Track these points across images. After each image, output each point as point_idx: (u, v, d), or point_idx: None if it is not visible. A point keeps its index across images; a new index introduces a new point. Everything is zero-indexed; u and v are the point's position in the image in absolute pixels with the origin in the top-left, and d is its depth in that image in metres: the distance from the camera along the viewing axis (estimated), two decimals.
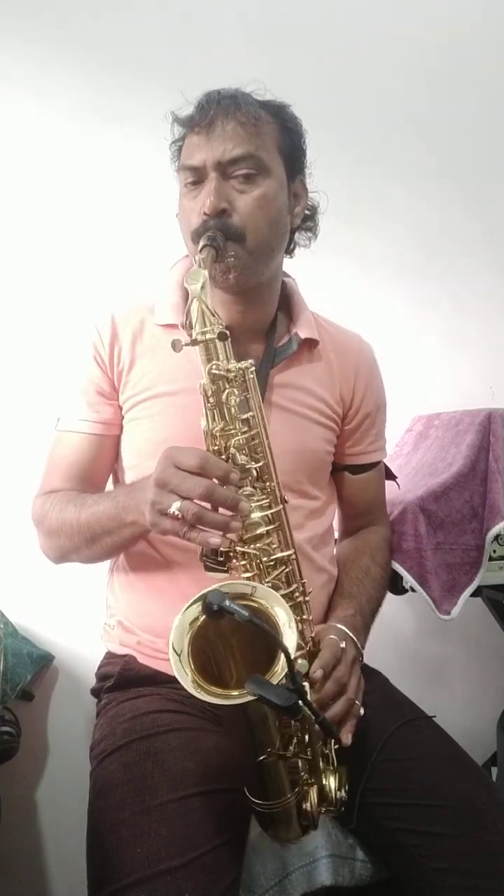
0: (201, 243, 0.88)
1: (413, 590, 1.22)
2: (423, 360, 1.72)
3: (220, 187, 0.91)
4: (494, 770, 1.51)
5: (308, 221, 1.06)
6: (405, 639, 1.67)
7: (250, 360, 0.86)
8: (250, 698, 0.66)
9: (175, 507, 0.75)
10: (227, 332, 0.82)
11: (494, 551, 1.24)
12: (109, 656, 1.03)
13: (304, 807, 0.79)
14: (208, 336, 0.82)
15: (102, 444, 1.02)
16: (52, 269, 1.51)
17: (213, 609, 0.69)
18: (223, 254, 0.89)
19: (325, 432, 1.06)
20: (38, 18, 1.51)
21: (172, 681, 0.92)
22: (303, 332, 1.04)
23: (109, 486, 1.09)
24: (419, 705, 0.99)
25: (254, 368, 0.86)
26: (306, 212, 1.04)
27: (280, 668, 0.69)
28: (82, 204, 1.53)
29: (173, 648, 0.71)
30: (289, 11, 1.64)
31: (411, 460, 1.48)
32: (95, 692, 1.03)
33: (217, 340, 0.82)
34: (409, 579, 1.19)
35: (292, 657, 0.68)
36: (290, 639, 0.71)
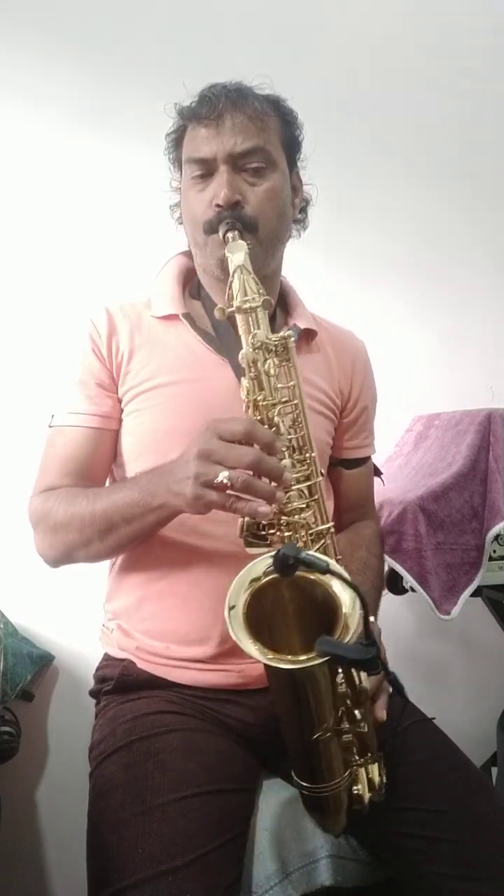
0: (223, 228, 0.89)
1: (413, 590, 1.22)
2: (424, 360, 1.72)
3: (233, 179, 0.92)
4: (494, 770, 1.51)
5: (300, 213, 1.07)
6: (405, 639, 1.67)
7: (290, 331, 0.85)
8: (321, 660, 0.64)
9: (223, 476, 0.73)
10: (271, 301, 0.82)
11: (494, 551, 1.24)
12: (107, 658, 1.03)
13: (354, 790, 0.77)
14: (253, 304, 0.82)
15: (102, 438, 1.00)
16: (45, 268, 1.51)
17: (289, 563, 0.66)
18: None
19: (327, 423, 1.06)
20: (37, 19, 1.51)
21: (172, 685, 0.93)
22: (301, 323, 1.05)
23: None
24: (419, 706, 0.99)
25: (294, 338, 0.85)
26: (301, 203, 1.06)
27: (342, 630, 0.67)
28: (75, 205, 1.53)
29: (229, 607, 0.69)
30: (288, 10, 1.64)
31: (411, 460, 1.48)
32: (94, 694, 1.02)
33: (261, 309, 0.82)
34: (409, 579, 1.19)
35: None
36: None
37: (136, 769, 0.83)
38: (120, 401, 1.00)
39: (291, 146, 1.01)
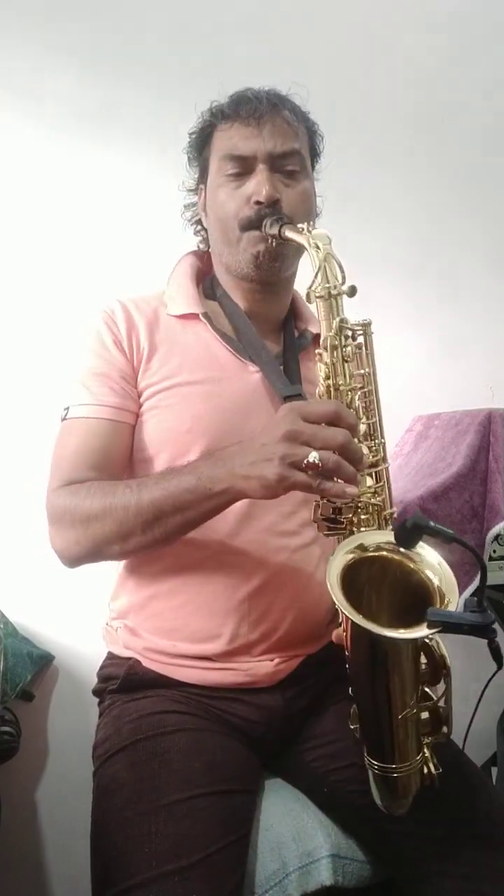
0: (275, 225, 0.90)
1: None
2: (423, 360, 1.72)
3: (272, 178, 0.95)
4: (494, 770, 1.51)
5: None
6: None
7: (369, 318, 0.86)
8: (434, 630, 0.63)
9: (314, 456, 0.72)
10: (356, 288, 0.83)
11: (494, 551, 1.24)
12: (112, 657, 1.02)
13: (425, 769, 0.76)
14: (338, 291, 0.82)
15: (123, 431, 0.98)
16: (46, 267, 1.51)
17: (418, 528, 0.67)
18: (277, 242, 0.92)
19: None
20: (37, 21, 1.51)
21: (178, 684, 0.93)
22: (313, 327, 1.06)
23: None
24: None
25: (372, 325, 0.86)
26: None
27: (445, 603, 0.67)
28: (76, 205, 1.53)
29: (329, 570, 0.70)
30: (288, 10, 1.64)
31: (411, 460, 1.48)
32: (97, 693, 1.02)
33: (346, 296, 0.83)
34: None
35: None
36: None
37: (141, 768, 0.83)
38: (139, 395, 0.99)
39: (313, 157, 1.05)
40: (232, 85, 1.03)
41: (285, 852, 0.86)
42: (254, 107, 0.95)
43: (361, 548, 0.74)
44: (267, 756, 0.97)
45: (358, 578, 0.72)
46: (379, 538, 0.75)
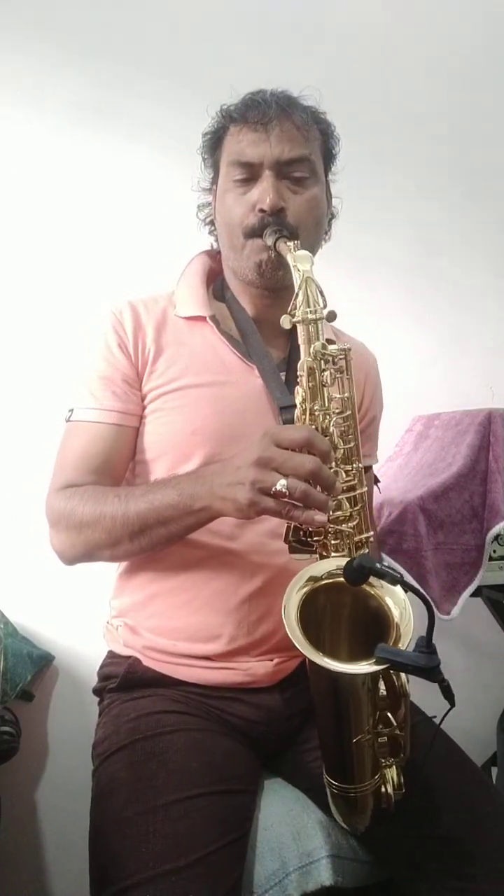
0: (274, 237, 0.90)
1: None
2: (423, 360, 1.72)
3: (278, 186, 0.93)
4: (494, 770, 1.51)
5: (326, 225, 1.08)
6: None
7: (349, 345, 0.86)
8: (381, 666, 0.65)
9: (281, 484, 0.73)
10: (336, 313, 0.83)
11: (494, 551, 1.24)
12: (112, 656, 1.02)
13: (383, 790, 0.78)
14: (318, 316, 0.82)
15: (125, 435, 0.98)
16: (47, 266, 1.51)
17: (363, 571, 0.68)
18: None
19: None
20: (36, 20, 1.51)
21: (177, 683, 0.93)
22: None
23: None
24: (419, 706, 0.99)
25: (352, 351, 0.86)
26: (328, 216, 1.07)
27: (394, 639, 0.69)
28: (77, 203, 1.53)
29: (285, 609, 0.70)
30: (289, 11, 1.64)
31: (411, 460, 1.48)
32: (97, 691, 1.02)
33: (324, 320, 0.83)
34: (409, 579, 1.19)
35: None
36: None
37: (139, 768, 0.83)
38: (143, 398, 0.99)
39: (327, 159, 1.03)
40: (236, 82, 1.01)
41: (285, 852, 0.86)
42: (262, 111, 0.94)
43: (313, 580, 0.74)
44: (267, 756, 0.97)
45: (316, 609, 0.74)
46: (327, 566, 0.76)
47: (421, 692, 1.06)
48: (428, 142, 1.73)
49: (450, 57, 1.74)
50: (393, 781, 0.79)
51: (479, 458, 1.27)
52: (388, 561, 1.21)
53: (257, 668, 0.93)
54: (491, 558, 1.24)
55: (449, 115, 1.74)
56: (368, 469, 1.16)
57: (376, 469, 1.23)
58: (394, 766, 0.79)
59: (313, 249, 0.99)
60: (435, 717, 0.98)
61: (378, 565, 0.69)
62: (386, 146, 1.71)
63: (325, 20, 1.66)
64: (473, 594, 1.24)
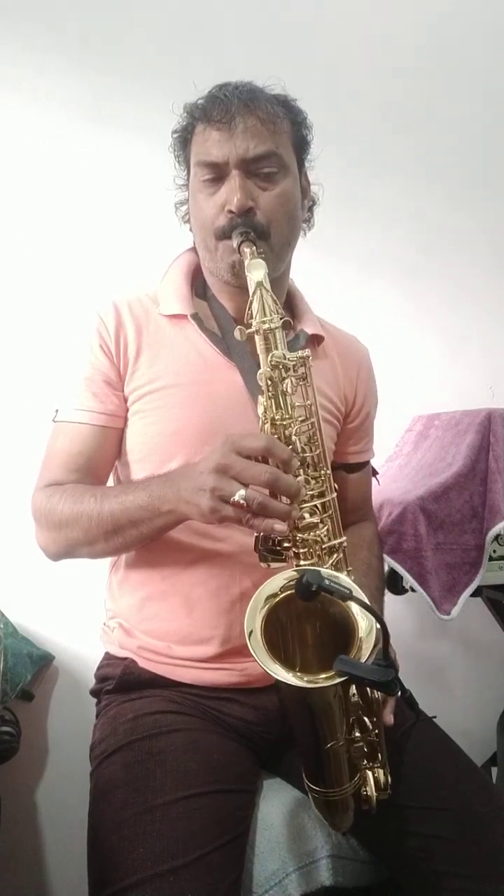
0: (238, 239, 0.89)
1: (413, 590, 1.22)
2: (423, 360, 1.72)
3: (245, 185, 0.91)
4: (494, 770, 1.51)
5: (307, 213, 1.06)
6: (405, 639, 1.66)
7: (307, 351, 0.85)
8: (340, 679, 0.65)
9: (239, 494, 0.73)
10: (290, 321, 0.82)
11: (494, 551, 1.24)
12: (109, 657, 1.03)
13: (363, 792, 0.79)
14: (273, 325, 0.82)
15: (107, 435, 0.98)
16: (47, 265, 1.51)
17: (312, 589, 0.68)
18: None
19: (331, 430, 1.06)
20: (37, 20, 1.51)
21: (173, 684, 0.93)
22: (308, 328, 1.04)
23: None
24: (419, 707, 0.99)
25: (311, 357, 0.86)
26: (308, 203, 1.05)
27: (356, 650, 0.68)
28: (79, 203, 1.53)
29: (248, 631, 0.70)
30: (286, 11, 1.64)
31: (411, 460, 1.48)
32: (95, 693, 1.02)
33: (280, 329, 0.82)
34: (409, 579, 1.19)
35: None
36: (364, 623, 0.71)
37: (137, 769, 0.83)
38: (126, 399, 0.99)
39: (301, 147, 1.00)
40: (229, 78, 0.98)
41: (285, 852, 0.86)
42: (224, 108, 0.91)
43: (272, 596, 0.74)
44: (266, 756, 0.97)
45: (280, 623, 0.74)
46: (279, 581, 0.75)
47: (421, 692, 1.06)
48: (431, 140, 1.73)
49: (448, 58, 1.73)
50: (376, 783, 0.79)
51: (479, 458, 1.26)
52: (388, 561, 1.21)
53: (253, 669, 0.93)
54: (491, 558, 1.24)
55: (452, 112, 1.74)
56: (366, 464, 1.16)
57: (376, 468, 1.23)
58: (376, 769, 0.80)
59: (290, 243, 0.98)
60: (435, 717, 0.98)
61: (327, 581, 0.68)
62: (385, 147, 1.71)
63: (326, 20, 1.66)
64: (473, 594, 1.24)
